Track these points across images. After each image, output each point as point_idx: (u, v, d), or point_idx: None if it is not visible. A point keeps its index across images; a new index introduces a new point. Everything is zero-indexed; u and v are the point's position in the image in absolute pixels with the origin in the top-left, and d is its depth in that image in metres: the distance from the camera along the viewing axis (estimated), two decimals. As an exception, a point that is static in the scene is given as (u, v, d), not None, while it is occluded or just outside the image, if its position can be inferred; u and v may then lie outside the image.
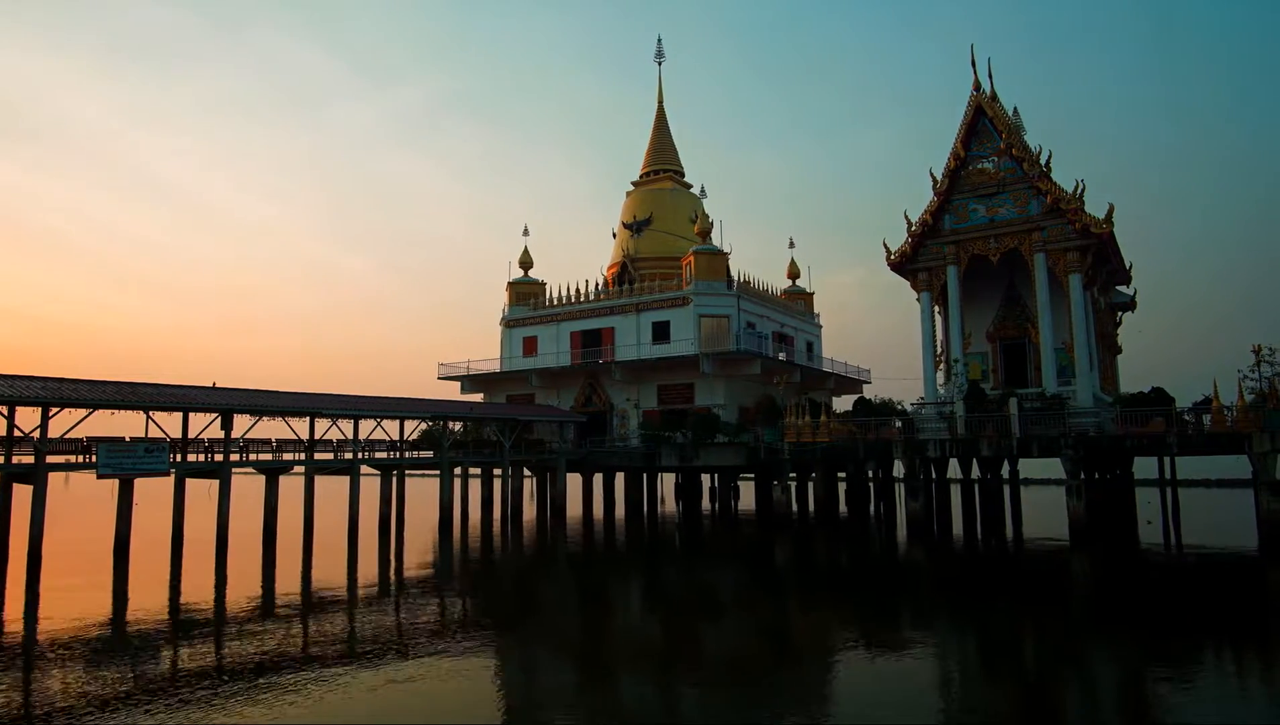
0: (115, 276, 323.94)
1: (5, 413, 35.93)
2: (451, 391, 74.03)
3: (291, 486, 50.45)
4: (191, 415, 42.83)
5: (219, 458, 43.46)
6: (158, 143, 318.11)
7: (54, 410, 36.08)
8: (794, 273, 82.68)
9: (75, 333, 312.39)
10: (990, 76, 51.15)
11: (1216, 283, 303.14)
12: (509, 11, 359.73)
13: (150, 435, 40.33)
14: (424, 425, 57.46)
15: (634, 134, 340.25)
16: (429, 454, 56.68)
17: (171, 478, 42.10)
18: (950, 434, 45.73)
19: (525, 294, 74.47)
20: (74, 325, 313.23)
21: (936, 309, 53.27)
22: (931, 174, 51.29)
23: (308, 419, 47.32)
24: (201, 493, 50.53)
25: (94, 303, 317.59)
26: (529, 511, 64.28)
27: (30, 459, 36.09)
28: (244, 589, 31.61)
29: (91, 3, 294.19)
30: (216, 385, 45.70)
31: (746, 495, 78.20)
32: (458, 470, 57.68)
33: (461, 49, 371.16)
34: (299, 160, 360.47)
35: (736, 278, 67.59)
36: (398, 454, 53.74)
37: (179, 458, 41.88)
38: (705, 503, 74.76)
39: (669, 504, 75.66)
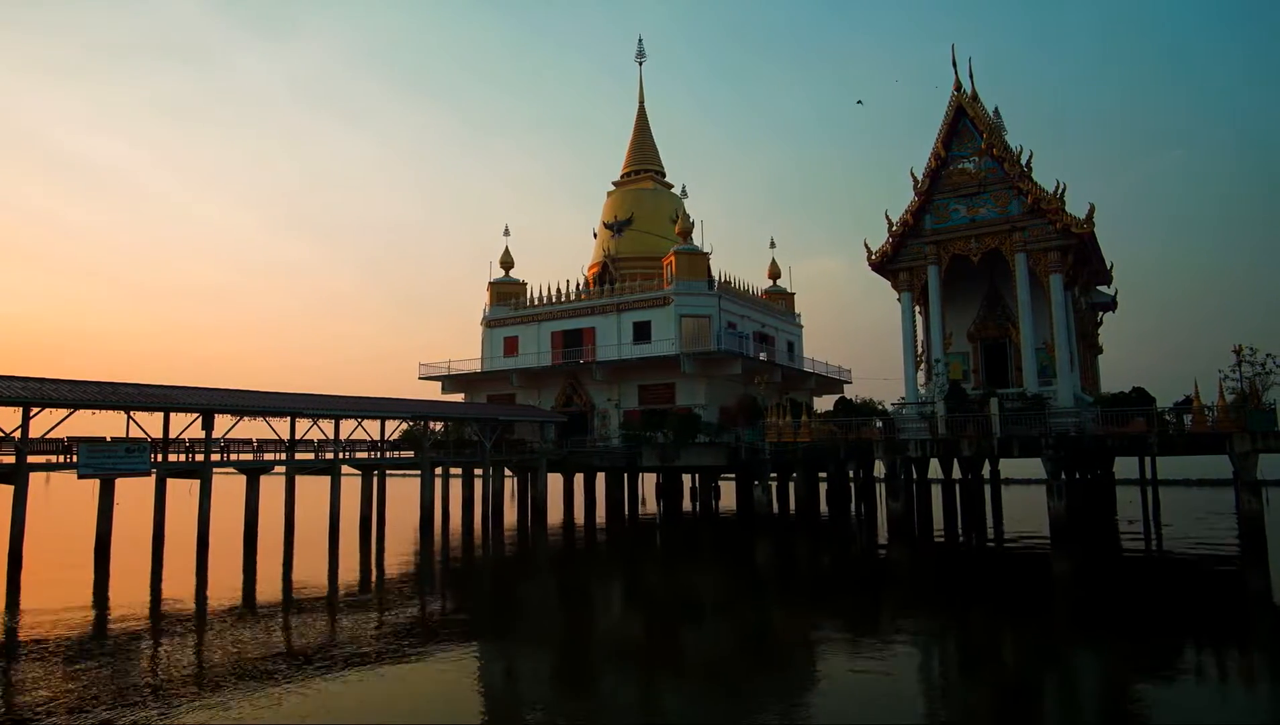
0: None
1: (-12, 412, 35.62)
2: (432, 392, 73.91)
3: (273, 486, 50.18)
4: (173, 415, 42.52)
5: (200, 458, 43.19)
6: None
7: (35, 410, 35.77)
8: (775, 273, 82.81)
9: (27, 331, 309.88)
10: (971, 77, 51.31)
11: (1198, 283, 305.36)
12: (487, 8, 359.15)
13: (131, 435, 40.11)
14: (405, 425, 57.28)
15: (616, 134, 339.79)
16: (410, 454, 56.53)
17: (153, 478, 41.80)
18: (931, 434, 45.77)
19: (506, 294, 74.34)
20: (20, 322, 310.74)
21: (917, 309, 53.33)
22: (912, 174, 51.41)
23: (288, 419, 47.10)
24: (183, 493, 50.24)
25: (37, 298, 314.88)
26: (510, 512, 64.16)
27: (11, 459, 35.75)
28: (225, 589, 31.46)
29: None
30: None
31: (727, 495, 78.30)
32: (439, 470, 57.54)
33: (436, 48, 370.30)
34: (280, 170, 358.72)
35: (718, 278, 67.71)
36: (378, 454, 53.53)
37: (160, 458, 41.56)
38: (686, 503, 74.80)
39: (650, 504, 75.65)
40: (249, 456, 46.55)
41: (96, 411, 38.10)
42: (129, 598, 29.99)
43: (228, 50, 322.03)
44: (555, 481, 67.51)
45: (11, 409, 35.63)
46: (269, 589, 31.81)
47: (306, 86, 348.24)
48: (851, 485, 64.81)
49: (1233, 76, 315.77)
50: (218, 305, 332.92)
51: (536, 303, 72.47)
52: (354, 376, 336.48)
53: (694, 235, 68.52)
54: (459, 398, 73.36)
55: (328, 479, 48.93)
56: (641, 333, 65.81)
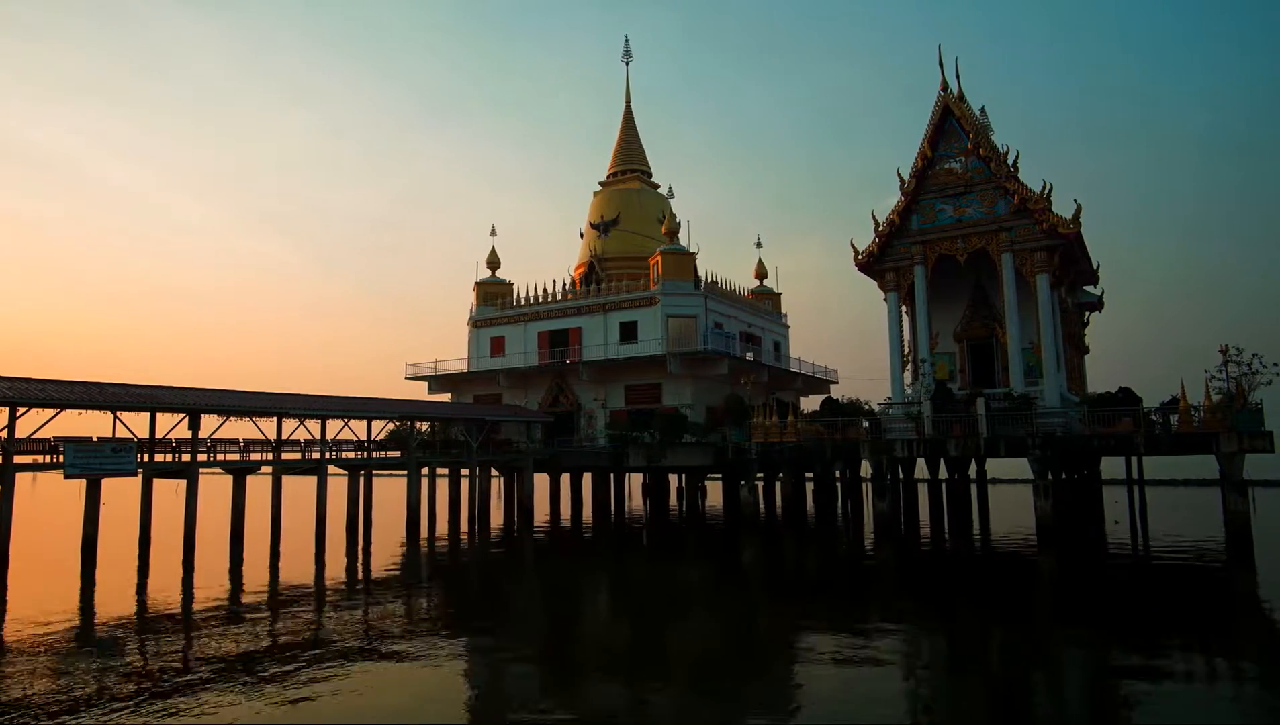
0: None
1: (-26, 413, 35.38)
2: (419, 392, 73.75)
3: (259, 487, 50.01)
4: (159, 415, 42.34)
5: (186, 458, 43.01)
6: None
7: (21, 410, 35.54)
8: (761, 272, 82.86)
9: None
10: (958, 77, 51.51)
11: (1186, 284, 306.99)
12: (473, 9, 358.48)
13: (118, 435, 39.92)
14: (391, 425, 57.14)
15: (603, 134, 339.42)
16: (396, 454, 56.38)
17: (139, 478, 41.63)
18: (917, 434, 45.89)
19: (493, 294, 74.20)
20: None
21: (904, 309, 53.47)
22: (899, 174, 51.56)
23: (275, 419, 46.88)
24: (169, 493, 50.06)
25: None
26: (496, 512, 64.05)
27: (-2, 459, 35.58)
28: (211, 589, 31.23)
29: None
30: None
31: (714, 495, 78.33)
32: (425, 470, 57.40)
33: (423, 49, 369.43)
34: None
35: (704, 278, 67.70)
36: (365, 454, 53.38)
37: (146, 458, 41.37)
38: (673, 502, 74.81)
39: (636, 503, 75.63)
40: (235, 456, 46.41)
41: (83, 411, 37.88)
42: (115, 598, 29.84)
43: (204, 58, 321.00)
44: (542, 481, 67.47)
45: (-2, 409, 35.45)
46: (255, 589, 31.63)
47: (288, 86, 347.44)
48: (838, 485, 64.89)
49: (1221, 74, 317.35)
50: (207, 309, 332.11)
51: (523, 303, 72.33)
52: (341, 377, 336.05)
53: (680, 235, 68.56)
54: (446, 398, 73.21)
55: (314, 479, 48.73)
56: (628, 333, 65.77)
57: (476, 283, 75.08)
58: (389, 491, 69.91)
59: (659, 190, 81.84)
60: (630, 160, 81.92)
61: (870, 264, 52.91)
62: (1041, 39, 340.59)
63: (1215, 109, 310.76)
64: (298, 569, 36.52)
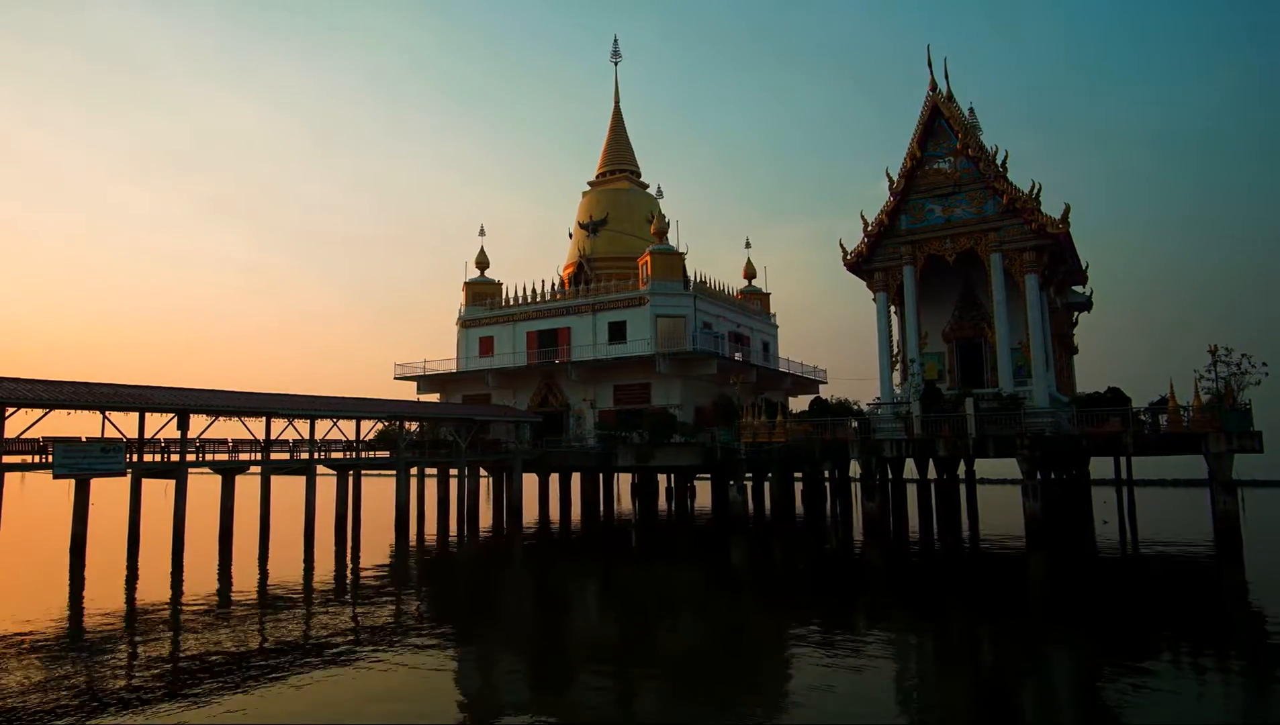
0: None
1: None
2: (408, 392, 73.58)
3: (248, 487, 49.83)
4: (148, 415, 42.17)
5: (175, 458, 42.85)
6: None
7: (10, 410, 35.38)
8: (750, 273, 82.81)
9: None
10: (946, 77, 51.60)
11: (1174, 283, 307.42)
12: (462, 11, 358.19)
13: (107, 435, 39.75)
14: (380, 426, 57.04)
15: (592, 133, 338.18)
16: (385, 454, 56.28)
17: (128, 478, 41.48)
18: (906, 434, 45.91)
19: (481, 294, 74.04)
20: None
21: (893, 309, 53.52)
22: (888, 174, 51.58)
23: (264, 419, 46.80)
24: (159, 493, 49.87)
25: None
26: (485, 512, 64.05)
27: (-13, 459, 35.39)
28: (200, 589, 31.19)
29: None
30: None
31: (703, 495, 78.32)
32: (414, 470, 57.31)
33: (412, 50, 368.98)
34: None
35: (693, 278, 67.64)
36: (354, 454, 53.26)
37: (135, 458, 41.22)
38: (661, 502, 74.81)
39: (625, 503, 75.59)
40: (224, 457, 46.24)
41: (72, 412, 37.71)
42: (104, 598, 29.80)
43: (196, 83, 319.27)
44: (530, 481, 67.40)
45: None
46: (244, 589, 31.56)
47: (272, 85, 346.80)
48: (827, 485, 64.95)
49: (1210, 72, 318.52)
50: (196, 312, 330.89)
51: (512, 303, 72.18)
52: (330, 378, 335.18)
53: (669, 235, 68.47)
54: (434, 398, 73.04)
55: (303, 479, 48.63)
56: (617, 333, 65.70)
57: (465, 283, 74.88)
58: (378, 492, 69.76)
59: (648, 190, 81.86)
60: (619, 160, 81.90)
61: (859, 264, 52.93)
62: (1012, 35, 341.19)
63: (1221, 109, 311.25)
64: (286, 569, 36.46)
